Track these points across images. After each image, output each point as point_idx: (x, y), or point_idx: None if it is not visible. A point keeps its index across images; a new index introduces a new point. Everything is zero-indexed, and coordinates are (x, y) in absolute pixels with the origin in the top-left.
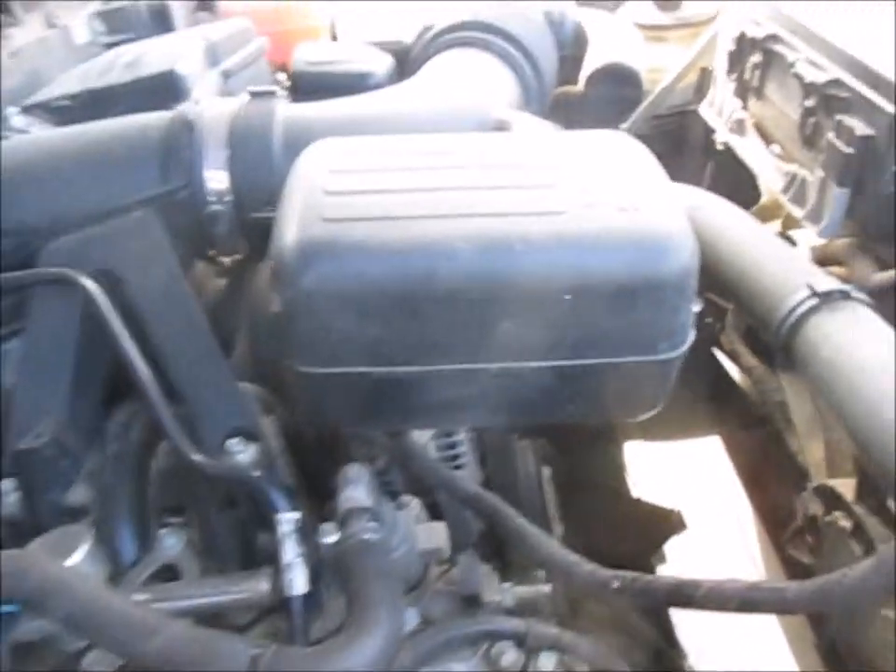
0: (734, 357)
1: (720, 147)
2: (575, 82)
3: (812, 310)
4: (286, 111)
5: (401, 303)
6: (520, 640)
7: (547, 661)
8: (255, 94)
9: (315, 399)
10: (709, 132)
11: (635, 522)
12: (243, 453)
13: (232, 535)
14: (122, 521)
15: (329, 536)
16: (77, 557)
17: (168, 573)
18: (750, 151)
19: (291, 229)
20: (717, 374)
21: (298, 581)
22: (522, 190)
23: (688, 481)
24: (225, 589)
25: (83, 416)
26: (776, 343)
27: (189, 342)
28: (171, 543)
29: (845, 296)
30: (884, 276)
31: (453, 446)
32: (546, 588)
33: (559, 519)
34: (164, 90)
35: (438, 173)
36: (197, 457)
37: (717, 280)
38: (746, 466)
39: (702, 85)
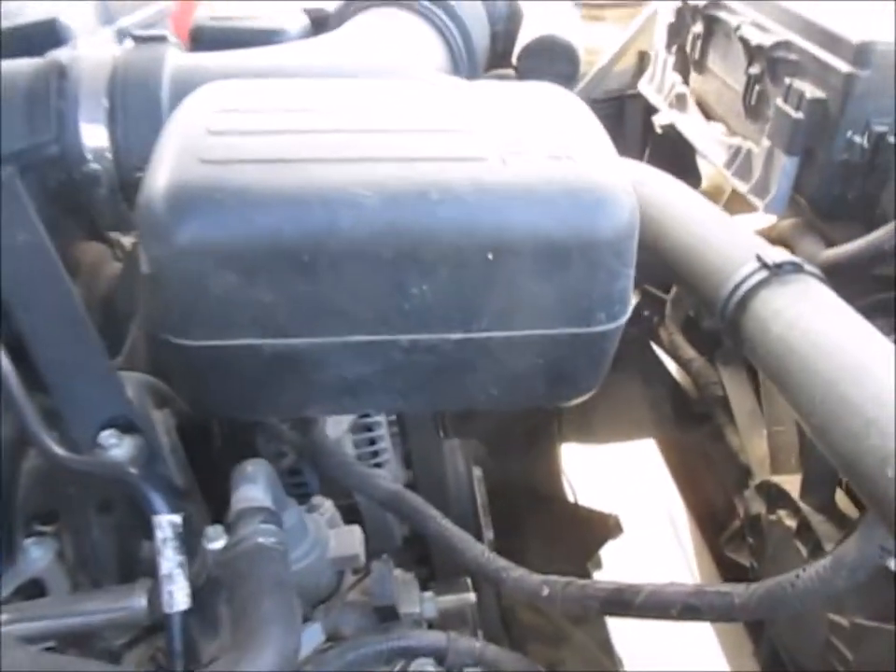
0: (672, 350)
1: (659, 131)
2: (508, 63)
3: (761, 283)
4: (177, 59)
5: (295, 262)
6: (440, 657)
7: None
8: (141, 39)
9: (196, 381)
10: (649, 115)
11: (571, 526)
12: (117, 447)
13: (109, 543)
14: None
15: (215, 540)
16: None
17: (34, 589)
18: (692, 127)
19: (163, 173)
20: (654, 371)
21: (178, 596)
22: (438, 134)
23: (624, 484)
24: (97, 606)
25: None
26: (721, 322)
27: (57, 321)
28: (37, 555)
29: (797, 269)
30: (834, 252)
31: (372, 442)
32: (471, 597)
33: (490, 523)
34: (46, 41)
35: (342, 114)
36: (60, 451)
37: (660, 259)
38: (681, 467)
39: (641, 69)
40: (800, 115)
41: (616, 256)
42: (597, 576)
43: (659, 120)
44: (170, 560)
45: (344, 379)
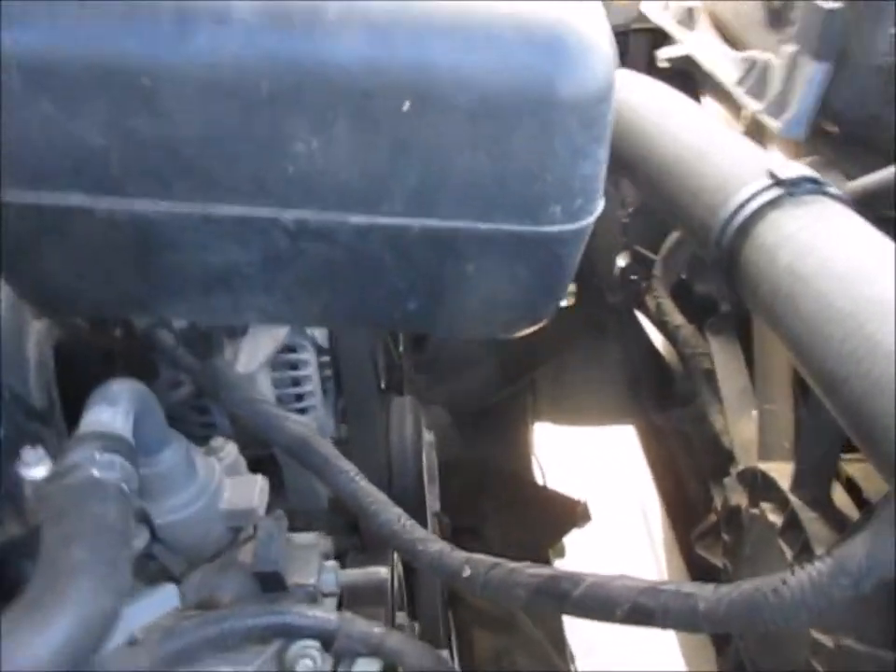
0: (658, 316)
1: (664, 65)
2: None
3: (772, 203)
4: None
5: (131, 87)
6: (327, 641)
7: (361, 667)
8: None
9: (22, 260)
10: (652, 49)
11: (534, 510)
12: None
13: None
14: None
15: (33, 466)
16: None
17: None
18: (700, 45)
19: None
20: (636, 344)
21: None
22: None
23: (597, 470)
24: None
25: None
26: (716, 252)
27: None
28: None
29: (817, 187)
30: (861, 183)
31: (296, 382)
32: (383, 572)
33: (437, 495)
34: None
35: None
36: None
37: (649, 181)
38: (658, 453)
39: None
40: (835, 3)
41: (582, 125)
42: (558, 566)
43: (663, 54)
44: None
45: (210, 268)
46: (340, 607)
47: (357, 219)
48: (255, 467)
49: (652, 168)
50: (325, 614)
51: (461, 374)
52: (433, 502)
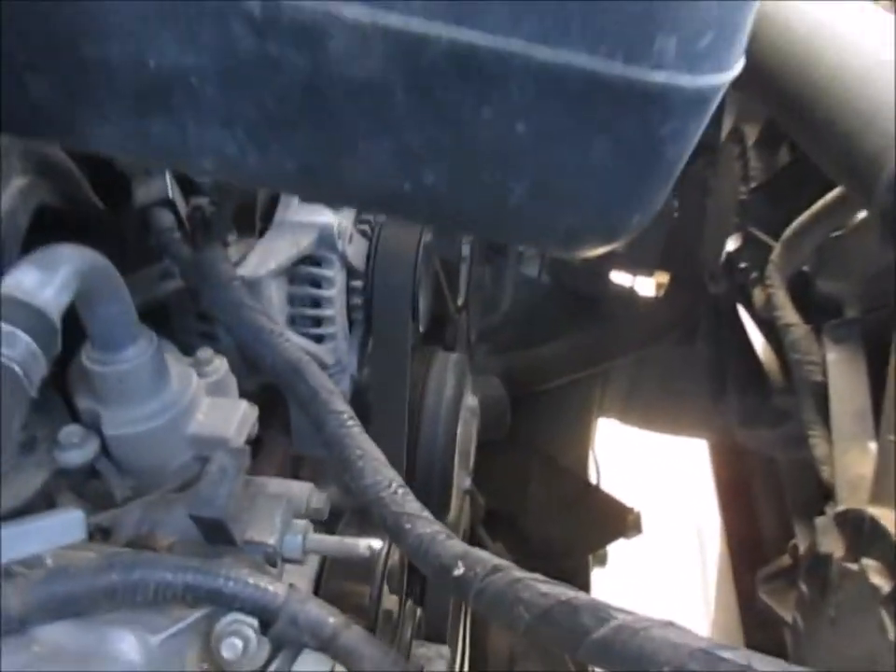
0: (767, 310)
1: None
2: None
3: None
4: None
5: None
6: (265, 621)
7: (306, 665)
8: None
9: None
10: None
11: (583, 509)
12: None
13: None
14: None
15: None
16: None
17: None
18: None
19: None
20: (733, 345)
21: None
22: None
23: (657, 480)
24: None
25: None
26: (887, 204)
27: None
28: None
29: None
30: None
31: (317, 303)
32: (373, 545)
33: (470, 470)
34: None
35: None
36: None
37: (797, 102)
38: (730, 475)
39: None
40: None
41: None
42: (596, 575)
43: None
44: None
45: (142, 73)
46: (319, 580)
47: (355, 13)
48: (260, 399)
49: (804, 83)
50: (270, 586)
51: (528, 349)
52: (463, 478)
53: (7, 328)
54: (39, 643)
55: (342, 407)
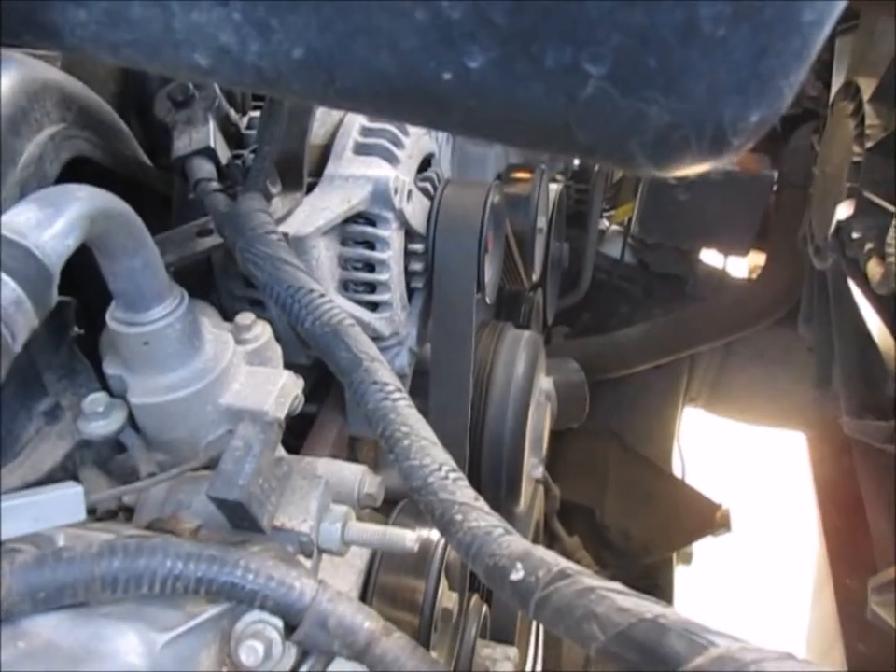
0: (884, 284)
1: None
2: None
3: None
4: None
5: None
6: (291, 624)
7: None
8: None
9: None
10: None
11: (668, 504)
12: None
13: None
14: None
15: None
16: None
17: None
18: None
19: None
20: (842, 327)
21: None
22: None
23: (747, 475)
24: None
25: None
26: None
27: None
28: None
29: None
30: None
31: (371, 267)
32: (425, 536)
33: (542, 456)
34: None
35: None
36: None
37: None
38: (832, 471)
39: None
40: None
41: None
42: (680, 574)
43: None
44: None
45: None
46: (370, 571)
47: None
48: (315, 373)
49: None
50: (293, 581)
51: (608, 332)
52: (535, 466)
53: None
54: (27, 637)
55: (386, 377)
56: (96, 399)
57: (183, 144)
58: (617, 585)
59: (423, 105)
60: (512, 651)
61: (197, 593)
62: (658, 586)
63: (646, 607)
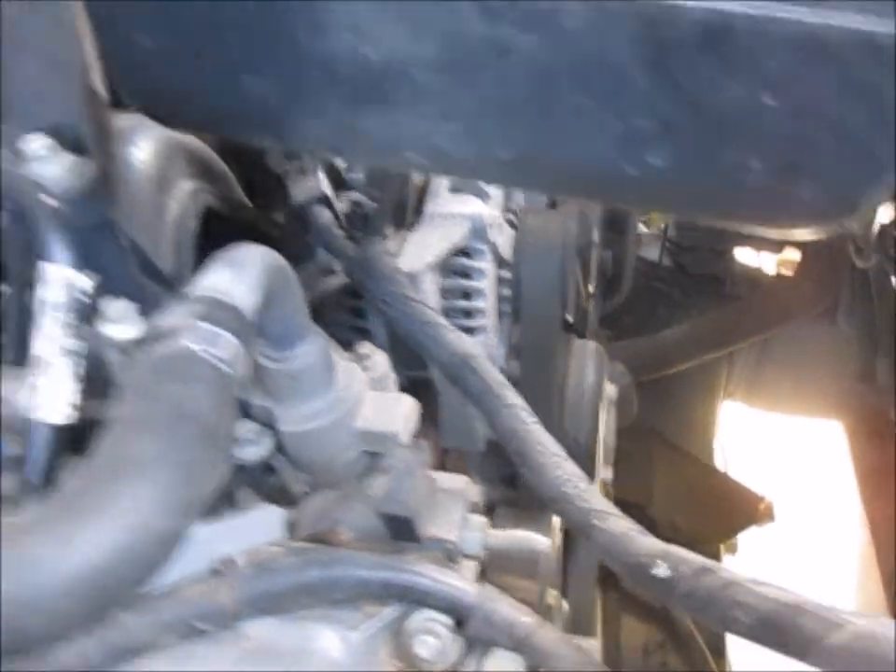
0: None
1: None
2: None
3: None
4: None
5: None
6: (460, 618)
7: (499, 665)
8: None
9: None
10: None
11: (711, 497)
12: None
13: None
14: None
15: (118, 323)
16: None
17: None
18: None
19: None
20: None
21: (51, 398)
22: None
23: (790, 466)
24: None
25: None
26: None
27: None
28: None
29: None
30: None
31: (468, 295)
32: (542, 542)
33: (612, 460)
34: None
35: None
36: None
37: None
38: (876, 462)
39: None
40: None
41: None
42: (727, 563)
43: None
44: (49, 340)
45: (362, 66)
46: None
47: None
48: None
49: None
50: (463, 583)
51: (650, 334)
52: (605, 470)
53: (208, 327)
54: (248, 639)
55: (516, 400)
56: (248, 428)
57: (300, 191)
58: (753, 577)
59: (604, 190)
60: (595, 643)
61: (378, 597)
62: None
63: (783, 594)
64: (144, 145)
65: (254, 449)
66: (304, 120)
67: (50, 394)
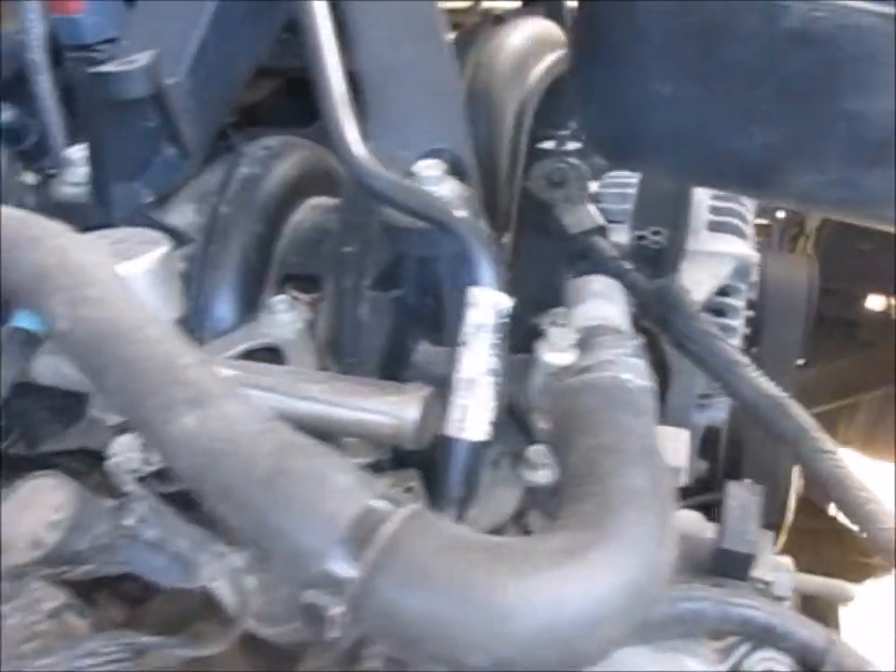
0: None
1: None
2: None
3: None
4: None
5: None
6: (810, 663)
7: None
8: None
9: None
10: None
11: (828, 544)
12: (437, 182)
13: (378, 328)
14: (226, 267)
15: (560, 350)
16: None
17: (267, 357)
18: None
19: None
20: None
21: (474, 417)
22: None
23: None
24: (346, 398)
25: None
26: None
27: None
28: (284, 319)
29: None
30: None
31: (722, 312)
32: (847, 588)
33: None
34: None
35: None
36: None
37: None
38: None
39: None
40: None
41: None
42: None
43: None
44: (477, 360)
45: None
46: None
47: None
48: None
49: None
50: (813, 628)
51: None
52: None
53: (632, 360)
54: (620, 665)
55: (832, 447)
56: (539, 450)
57: (573, 221)
58: None
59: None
60: None
61: (735, 633)
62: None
63: None
64: None
65: (546, 472)
66: (798, 173)
67: (476, 413)
